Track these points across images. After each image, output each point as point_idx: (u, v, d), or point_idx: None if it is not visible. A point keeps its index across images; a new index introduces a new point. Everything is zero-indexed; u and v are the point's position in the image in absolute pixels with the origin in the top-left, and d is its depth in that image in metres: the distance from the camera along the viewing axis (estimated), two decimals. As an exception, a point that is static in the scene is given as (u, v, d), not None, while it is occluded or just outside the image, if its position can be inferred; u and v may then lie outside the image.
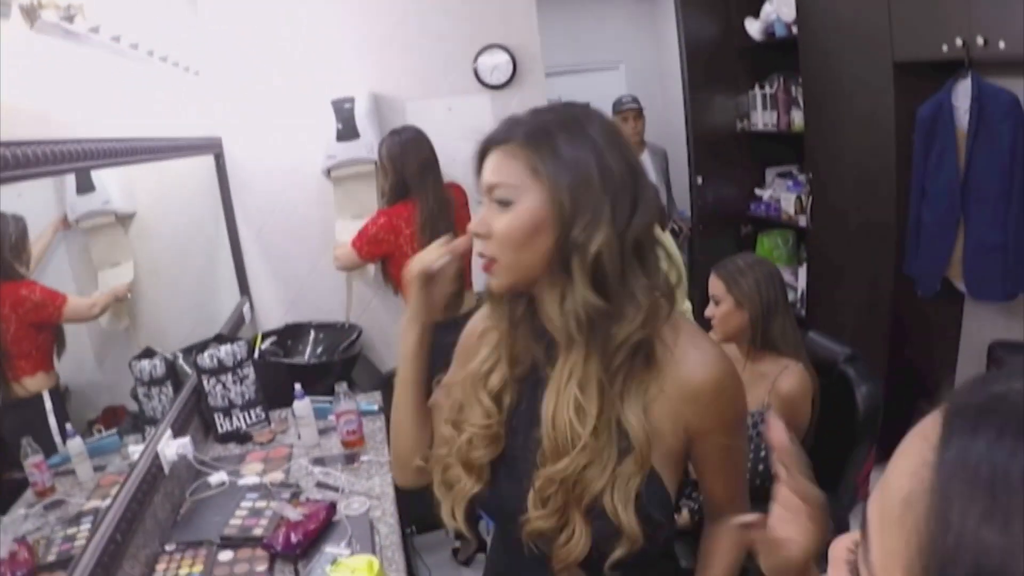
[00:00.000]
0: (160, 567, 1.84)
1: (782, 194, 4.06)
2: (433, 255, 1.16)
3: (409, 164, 2.91)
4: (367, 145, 3.31)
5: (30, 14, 1.54)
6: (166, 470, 2.04)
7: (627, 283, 1.00)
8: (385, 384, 3.42)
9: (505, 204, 1.02)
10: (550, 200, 0.99)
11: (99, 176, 2.20)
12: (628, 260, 1.00)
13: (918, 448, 0.46)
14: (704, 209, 4.54)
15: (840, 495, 2.21)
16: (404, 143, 2.95)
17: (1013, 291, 2.75)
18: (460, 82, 3.63)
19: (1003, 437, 0.41)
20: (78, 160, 1.81)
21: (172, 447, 2.08)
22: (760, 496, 1.83)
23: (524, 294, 1.10)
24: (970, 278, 2.85)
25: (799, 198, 3.87)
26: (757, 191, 4.32)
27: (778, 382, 2.13)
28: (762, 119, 4.12)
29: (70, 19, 1.71)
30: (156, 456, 2.02)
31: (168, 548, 1.91)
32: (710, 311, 2.25)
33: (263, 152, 3.46)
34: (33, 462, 1.80)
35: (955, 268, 2.92)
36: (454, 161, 3.63)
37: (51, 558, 1.63)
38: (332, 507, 1.97)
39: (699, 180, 4.48)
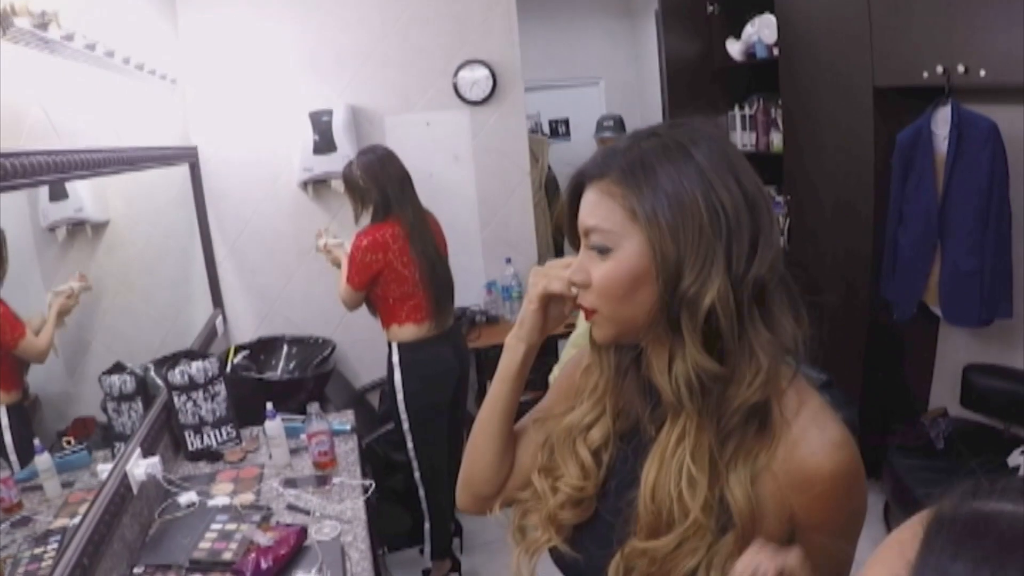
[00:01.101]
0: (127, 591, 1.78)
1: (760, 215, 4.08)
2: (559, 282, 0.97)
3: (390, 179, 2.85)
4: (344, 158, 3.27)
5: (2, 22, 1.49)
6: (135, 490, 1.99)
7: (746, 340, 0.86)
8: (357, 401, 3.38)
9: (603, 251, 0.89)
10: (650, 247, 0.85)
11: (72, 183, 2.15)
12: (747, 312, 0.86)
13: (894, 560, 0.43)
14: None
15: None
16: (380, 159, 2.89)
17: (988, 317, 2.77)
18: (439, 97, 3.63)
19: (982, 568, 0.39)
20: (51, 172, 1.77)
21: (141, 467, 2.03)
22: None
23: (631, 344, 0.98)
24: (946, 303, 2.87)
25: (777, 220, 3.88)
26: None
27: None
28: (741, 140, 4.13)
29: (44, 26, 1.66)
30: (125, 476, 1.97)
31: (136, 571, 1.87)
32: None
33: (239, 162, 3.42)
34: (0, 477, 1.75)
35: (931, 292, 2.94)
36: (431, 176, 3.62)
37: None
38: (303, 531, 1.93)
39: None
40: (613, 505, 0.98)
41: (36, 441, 1.87)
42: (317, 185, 3.47)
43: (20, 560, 1.64)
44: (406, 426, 2.84)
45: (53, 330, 1.98)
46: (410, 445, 2.87)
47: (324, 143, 3.34)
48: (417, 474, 2.93)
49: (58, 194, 2.14)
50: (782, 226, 3.81)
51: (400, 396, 2.81)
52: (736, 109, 4.16)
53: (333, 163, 3.31)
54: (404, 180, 2.88)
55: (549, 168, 5.09)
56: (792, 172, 3.67)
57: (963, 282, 2.77)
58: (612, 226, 0.88)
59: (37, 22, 1.66)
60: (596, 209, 0.90)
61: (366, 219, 2.87)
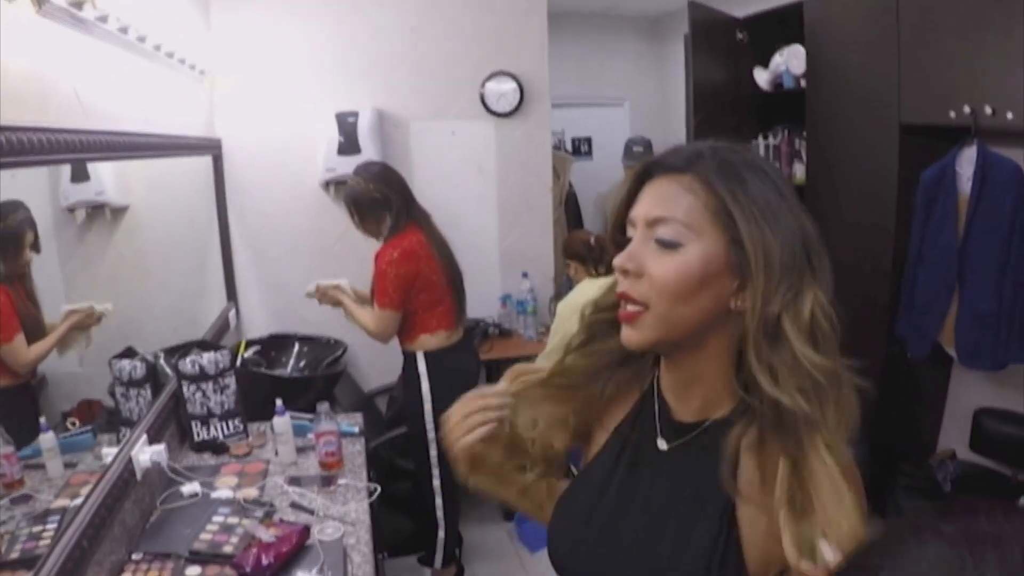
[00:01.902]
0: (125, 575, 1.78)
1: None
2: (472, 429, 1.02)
3: (401, 185, 2.83)
4: (367, 160, 3.29)
5: (38, -1, 1.51)
6: (139, 476, 1.99)
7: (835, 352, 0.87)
8: (365, 404, 3.37)
9: (670, 247, 0.86)
10: (739, 249, 0.85)
11: (94, 166, 2.17)
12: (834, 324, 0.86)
13: None
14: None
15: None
16: (384, 168, 2.87)
17: (1003, 361, 2.75)
18: (466, 107, 3.64)
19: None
20: (76, 151, 1.77)
21: (146, 453, 2.03)
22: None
23: (651, 356, 0.99)
24: (961, 345, 2.85)
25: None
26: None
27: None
28: (764, 169, 4.14)
29: (79, 5, 1.68)
30: (129, 461, 1.96)
31: (135, 557, 1.86)
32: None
33: (262, 158, 3.43)
34: (3, 453, 1.75)
35: (947, 334, 2.92)
36: (453, 187, 3.63)
37: (14, 555, 1.59)
38: (306, 530, 1.91)
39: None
40: (606, 526, 0.99)
41: (42, 420, 1.88)
42: (339, 186, 3.48)
43: (18, 537, 1.64)
44: (431, 435, 2.79)
45: (51, 345, 1.94)
46: (433, 453, 2.84)
47: (349, 144, 3.35)
48: (437, 482, 2.89)
49: (80, 175, 2.15)
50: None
51: (428, 406, 2.77)
52: (760, 138, 4.16)
53: (356, 165, 3.32)
54: (407, 186, 2.86)
55: (570, 185, 5.10)
56: (814, 205, 3.65)
57: (979, 325, 2.76)
58: (691, 221, 0.86)
59: (73, 1, 1.68)
60: (672, 202, 0.87)
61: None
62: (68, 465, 1.95)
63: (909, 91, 2.93)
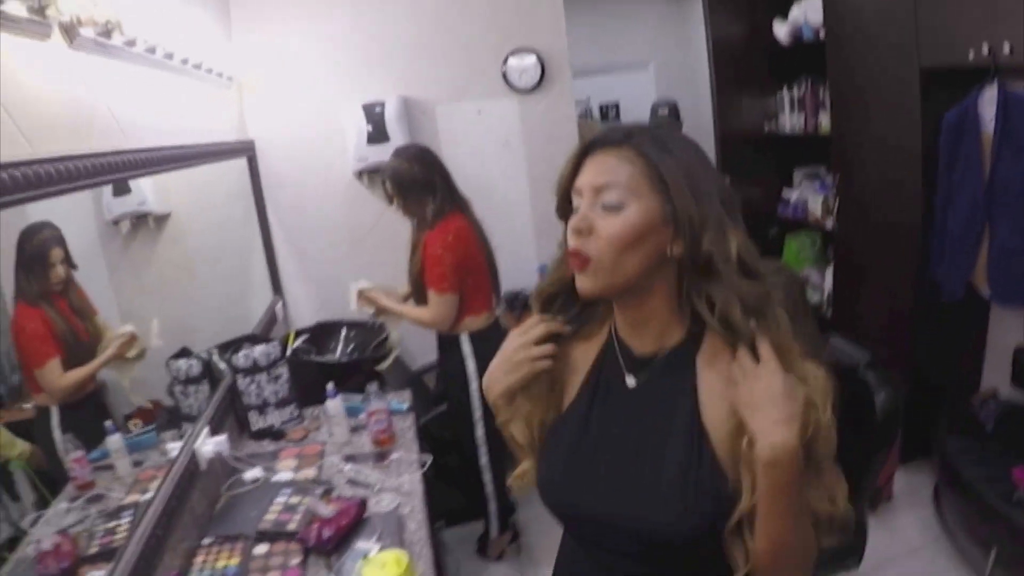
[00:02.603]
0: (198, 559, 1.91)
1: (809, 195, 4.07)
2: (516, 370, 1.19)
3: (442, 167, 2.84)
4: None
5: (69, 31, 1.62)
6: (203, 467, 2.13)
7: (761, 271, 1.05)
8: (413, 382, 3.49)
9: (615, 208, 1.02)
10: (669, 207, 1.01)
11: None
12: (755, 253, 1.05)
13: None
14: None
15: (858, 501, 2.23)
16: (423, 150, 2.88)
17: (1036, 296, 2.75)
18: (489, 86, 3.70)
19: None
20: (116, 172, 1.90)
21: (209, 445, 2.16)
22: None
23: (602, 304, 1.16)
24: (994, 283, 2.85)
25: (826, 200, 3.87)
26: (784, 193, 4.32)
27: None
28: (790, 121, 4.12)
29: (107, 34, 1.79)
30: (193, 454, 2.10)
31: (205, 541, 1.99)
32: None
33: (295, 154, 3.55)
34: (74, 457, 1.88)
35: (980, 274, 2.92)
36: (482, 165, 3.70)
37: (92, 550, 1.71)
38: (363, 504, 2.03)
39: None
40: (590, 460, 1.13)
41: (108, 423, 2.01)
42: (372, 175, 3.58)
43: (95, 533, 1.77)
44: (478, 414, 2.88)
45: (87, 374, 1.99)
46: (480, 432, 2.92)
47: (378, 133, 3.45)
48: (484, 459, 2.97)
49: (121, 189, 2.25)
50: (831, 207, 3.80)
51: (474, 385, 2.83)
52: (784, 90, 4.14)
53: (386, 153, 3.35)
54: (447, 170, 2.87)
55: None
56: (840, 153, 3.65)
57: (1010, 261, 2.75)
58: (631, 185, 1.02)
59: (101, 31, 1.78)
60: (614, 170, 1.03)
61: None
62: (135, 463, 2.08)
63: (927, 33, 2.90)
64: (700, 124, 5.05)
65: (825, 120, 3.81)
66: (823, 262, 4.20)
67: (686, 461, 1.03)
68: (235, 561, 1.89)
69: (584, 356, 1.20)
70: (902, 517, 3.21)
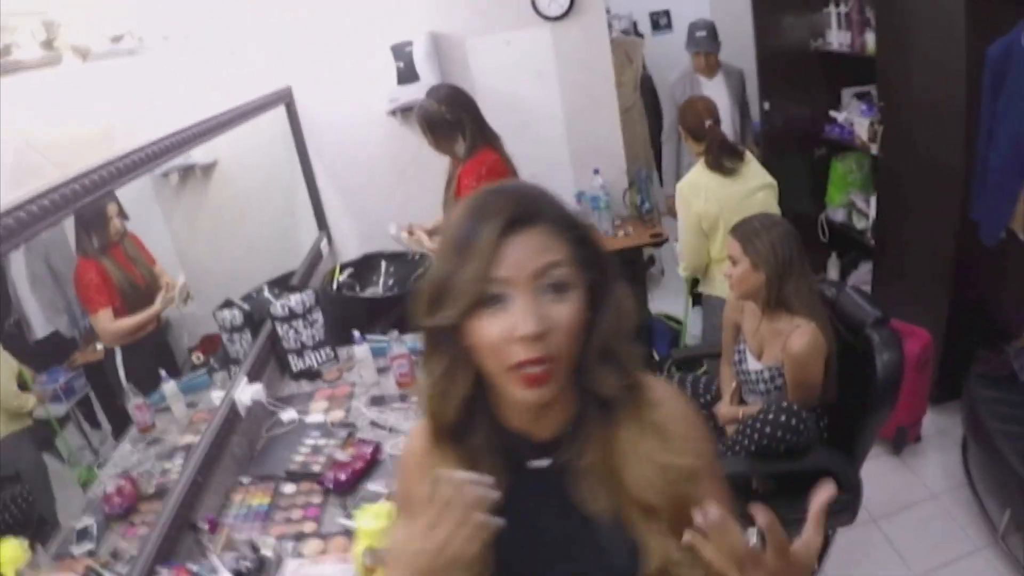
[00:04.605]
0: (236, 497, 2.17)
1: (856, 117, 3.94)
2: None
3: (473, 105, 2.93)
4: (427, 86, 3.42)
5: (82, 52, 1.75)
6: (242, 413, 2.37)
7: None
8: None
9: (564, 288, 0.88)
10: (595, 276, 0.92)
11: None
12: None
13: None
14: (772, 133, 4.44)
15: (855, 456, 2.30)
16: (454, 89, 2.96)
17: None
18: (518, 15, 3.66)
19: None
20: (177, 148, 2.19)
21: (247, 393, 2.40)
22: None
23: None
24: (1033, 228, 2.77)
25: (872, 124, 3.75)
26: (832, 113, 4.19)
27: (788, 341, 2.24)
28: (837, 39, 3.95)
29: (118, 40, 1.92)
30: (234, 403, 2.35)
31: (244, 480, 2.24)
32: (728, 270, 2.35)
33: (331, 98, 3.67)
34: (136, 403, 2.15)
35: (1019, 219, 2.83)
36: (517, 94, 3.73)
37: (151, 490, 1.97)
38: (378, 448, 2.25)
39: (766, 105, 4.37)
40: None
41: (162, 372, 2.26)
42: (405, 113, 3.66)
43: (153, 474, 2.04)
44: None
45: (137, 323, 2.24)
46: None
47: (408, 73, 3.51)
48: None
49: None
50: (876, 132, 3.67)
51: None
52: (832, 6, 3.96)
53: (418, 91, 3.41)
54: (477, 108, 2.95)
55: (644, 67, 5.04)
56: (886, 75, 3.51)
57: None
58: (569, 262, 0.89)
59: (113, 38, 1.94)
60: (550, 247, 0.88)
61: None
62: (190, 405, 2.35)
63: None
64: (747, 41, 4.84)
65: (871, 39, 3.65)
66: (869, 188, 4.10)
67: (621, 545, 0.96)
68: (267, 500, 2.14)
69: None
70: (927, 461, 3.15)
